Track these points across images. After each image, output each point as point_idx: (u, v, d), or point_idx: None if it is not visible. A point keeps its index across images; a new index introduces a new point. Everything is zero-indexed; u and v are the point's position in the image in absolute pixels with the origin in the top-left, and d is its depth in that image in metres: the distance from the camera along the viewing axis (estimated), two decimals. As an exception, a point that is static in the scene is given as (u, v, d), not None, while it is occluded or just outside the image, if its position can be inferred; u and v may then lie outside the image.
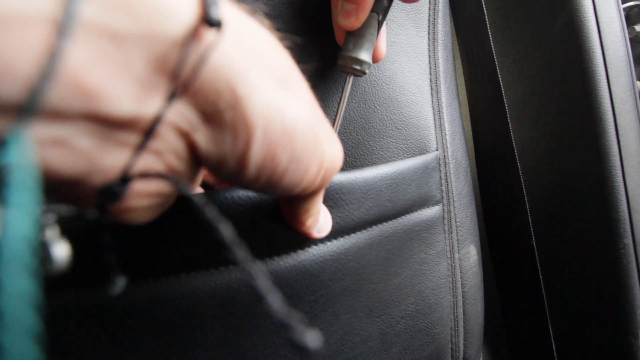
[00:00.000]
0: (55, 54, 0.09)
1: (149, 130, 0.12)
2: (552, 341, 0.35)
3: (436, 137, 0.34)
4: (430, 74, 0.35)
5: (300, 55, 0.29)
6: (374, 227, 0.28)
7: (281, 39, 0.15)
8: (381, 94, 0.31)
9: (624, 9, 0.40)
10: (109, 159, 0.12)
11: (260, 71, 0.13)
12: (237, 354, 0.23)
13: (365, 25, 0.26)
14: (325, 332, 0.27)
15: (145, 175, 0.12)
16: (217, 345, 0.23)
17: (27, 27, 0.09)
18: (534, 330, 0.37)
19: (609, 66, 0.38)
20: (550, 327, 0.35)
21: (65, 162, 0.11)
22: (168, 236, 0.20)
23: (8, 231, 0.09)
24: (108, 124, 0.11)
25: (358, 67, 0.26)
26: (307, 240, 0.24)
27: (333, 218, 0.25)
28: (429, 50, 0.35)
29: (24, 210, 0.09)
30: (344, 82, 0.28)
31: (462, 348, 0.34)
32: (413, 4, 0.35)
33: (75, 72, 0.10)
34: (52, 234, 0.13)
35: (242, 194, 0.22)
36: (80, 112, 0.10)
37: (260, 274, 0.11)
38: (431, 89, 0.35)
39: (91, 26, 0.10)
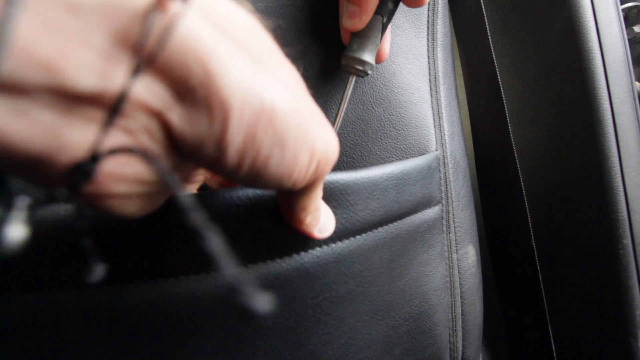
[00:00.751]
0: (3, 24, 0.09)
1: (114, 106, 0.11)
2: (552, 341, 0.35)
3: (435, 137, 0.34)
4: (430, 75, 0.35)
5: (306, 55, 0.28)
6: (380, 229, 0.28)
7: (262, 21, 0.14)
8: (379, 95, 0.31)
9: (623, 10, 0.41)
10: (75, 135, 0.11)
11: (234, 48, 0.13)
12: (237, 358, 0.23)
13: (369, 27, 0.26)
14: (330, 337, 0.26)
15: (114, 151, 0.12)
16: (217, 349, 0.22)
17: None
18: (533, 331, 0.37)
19: (608, 67, 0.38)
20: (549, 327, 0.35)
21: (28, 136, 0.10)
22: (168, 238, 0.20)
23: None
24: (70, 98, 0.11)
25: (360, 68, 0.26)
26: (309, 242, 0.23)
27: (337, 219, 0.25)
28: (428, 51, 0.35)
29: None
30: (347, 82, 0.28)
31: (460, 348, 0.34)
32: (412, 5, 0.35)
33: (29, 43, 0.09)
34: (16, 215, 0.12)
35: (241, 193, 0.22)
36: (39, 85, 0.10)
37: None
38: (430, 89, 0.35)
39: None
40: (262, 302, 0.11)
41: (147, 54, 0.11)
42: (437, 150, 0.34)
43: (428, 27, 0.36)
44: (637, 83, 0.41)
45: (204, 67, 0.12)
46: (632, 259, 0.35)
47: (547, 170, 0.43)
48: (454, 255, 0.34)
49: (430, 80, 0.35)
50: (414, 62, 0.34)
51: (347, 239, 0.25)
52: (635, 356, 0.35)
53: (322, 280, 0.24)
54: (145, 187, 0.14)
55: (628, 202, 0.37)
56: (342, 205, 0.25)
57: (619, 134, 0.39)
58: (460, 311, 0.34)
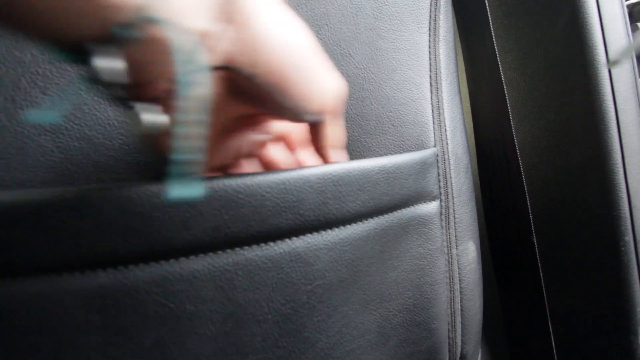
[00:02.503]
0: None
1: None
2: (552, 338, 0.35)
3: (434, 134, 0.34)
4: (431, 71, 0.35)
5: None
6: (370, 220, 0.28)
7: None
8: (378, 92, 0.31)
9: (628, 6, 0.40)
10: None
11: None
12: (235, 346, 0.23)
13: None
14: (324, 325, 0.27)
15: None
16: (216, 335, 0.22)
17: None
18: (533, 327, 0.37)
19: (611, 63, 0.38)
20: (549, 324, 0.35)
21: None
22: (167, 217, 0.20)
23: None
24: None
25: None
26: (299, 227, 0.24)
27: (329, 208, 0.25)
28: (429, 47, 0.36)
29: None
30: None
31: (459, 344, 0.34)
32: (415, 0, 0.35)
33: None
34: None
35: (241, 181, 0.22)
36: None
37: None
38: (431, 85, 0.35)
39: None
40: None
41: None
42: (435, 146, 0.34)
43: (430, 23, 0.36)
44: (640, 79, 0.40)
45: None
46: (633, 256, 0.35)
47: (549, 167, 0.43)
48: (454, 251, 0.34)
49: (431, 77, 0.35)
50: (414, 58, 0.34)
51: (337, 227, 0.26)
52: (635, 353, 0.35)
53: (315, 266, 0.25)
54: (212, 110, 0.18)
55: (630, 199, 0.37)
56: (334, 195, 0.25)
57: (622, 130, 0.39)
58: (459, 307, 0.34)
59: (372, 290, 0.29)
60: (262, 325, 0.23)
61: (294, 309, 0.25)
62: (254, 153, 0.25)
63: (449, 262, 0.33)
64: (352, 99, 0.30)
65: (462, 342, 0.34)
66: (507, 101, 0.40)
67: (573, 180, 0.41)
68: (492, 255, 0.41)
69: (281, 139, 0.27)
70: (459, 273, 0.34)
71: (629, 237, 0.36)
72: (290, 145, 0.27)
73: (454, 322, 0.34)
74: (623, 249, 0.36)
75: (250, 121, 0.23)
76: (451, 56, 0.38)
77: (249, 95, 0.20)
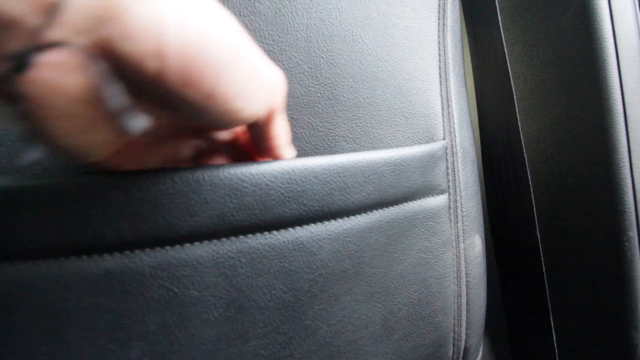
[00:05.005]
0: None
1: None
2: (553, 332, 0.35)
3: (444, 126, 0.34)
4: (440, 61, 0.35)
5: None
6: (375, 212, 0.28)
7: None
8: (391, 81, 0.31)
9: (638, -2, 0.40)
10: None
11: None
12: (238, 332, 0.23)
13: None
14: (325, 313, 0.27)
15: (54, 45, 0.12)
16: (219, 320, 0.23)
17: None
18: (534, 321, 0.37)
19: (620, 56, 0.37)
20: (551, 318, 0.35)
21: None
22: (176, 207, 0.20)
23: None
24: None
25: None
26: (303, 216, 0.24)
27: (333, 199, 0.25)
28: (438, 37, 0.35)
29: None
30: None
31: (464, 337, 0.34)
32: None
33: None
34: None
35: (246, 170, 0.22)
36: None
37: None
38: (440, 76, 0.35)
39: None
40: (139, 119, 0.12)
41: None
42: (444, 139, 0.33)
43: (439, 12, 0.36)
44: (650, 73, 0.40)
45: None
46: (637, 251, 0.35)
47: (555, 161, 0.42)
48: (461, 245, 0.34)
49: (440, 67, 0.35)
50: (425, 48, 0.34)
51: (341, 218, 0.26)
52: (637, 348, 0.35)
53: (317, 256, 0.25)
54: (84, 109, 0.14)
55: (635, 194, 0.37)
56: (338, 186, 0.25)
57: (629, 125, 0.39)
58: (465, 300, 0.34)
59: (376, 282, 0.29)
60: (264, 311, 0.24)
61: (296, 296, 0.25)
62: (197, 159, 0.23)
63: (456, 256, 0.33)
64: (364, 87, 0.29)
65: (467, 335, 0.35)
66: (514, 94, 0.39)
67: (578, 175, 0.41)
68: (495, 249, 0.41)
69: (231, 142, 0.24)
70: (465, 267, 0.34)
71: (633, 232, 0.36)
72: (241, 149, 0.24)
73: (460, 316, 0.34)
74: (627, 244, 0.36)
75: (189, 127, 0.20)
76: (458, 47, 0.37)
77: (164, 101, 0.15)
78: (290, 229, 0.24)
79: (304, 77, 0.27)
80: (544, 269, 0.36)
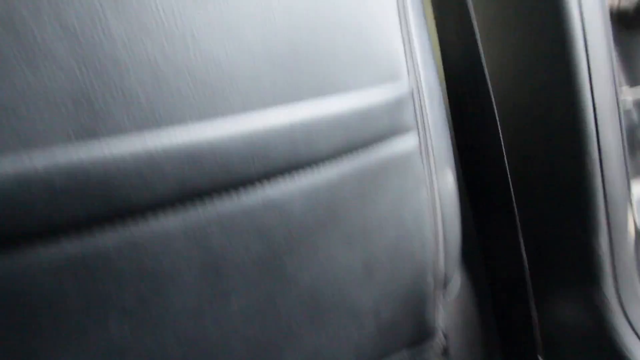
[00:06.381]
0: None
1: None
2: (522, 248, 0.38)
3: (407, 64, 0.33)
4: (397, 3, 0.33)
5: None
6: (344, 160, 0.28)
7: None
8: (349, 23, 0.29)
9: None
10: None
11: None
12: (219, 297, 0.24)
13: None
14: (304, 264, 0.27)
15: None
16: (197, 286, 0.23)
17: None
18: (505, 240, 0.39)
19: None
20: (520, 235, 0.37)
21: None
22: (129, 181, 0.19)
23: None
24: None
25: None
26: (271, 173, 0.23)
27: (299, 153, 0.25)
28: None
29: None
30: None
31: (442, 269, 0.36)
32: None
33: None
34: None
35: (203, 137, 0.21)
36: None
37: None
38: (399, 15, 0.33)
39: None
40: None
41: None
42: (409, 77, 0.33)
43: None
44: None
45: None
46: (597, 166, 0.37)
47: (519, 91, 0.43)
48: (435, 182, 0.34)
49: (398, 5, 0.33)
50: None
51: (310, 170, 0.25)
52: (595, 252, 0.38)
53: (290, 212, 0.25)
54: None
55: (596, 113, 0.38)
56: (304, 140, 0.25)
57: (589, 48, 0.39)
58: (442, 234, 0.35)
59: (353, 228, 0.29)
60: (242, 271, 0.24)
61: (273, 253, 0.25)
62: None
63: (430, 193, 0.34)
64: (323, 31, 0.28)
65: (445, 266, 0.36)
66: (475, 27, 0.39)
67: (542, 102, 0.41)
68: (466, 182, 0.42)
69: None
70: (440, 203, 0.35)
71: (592, 148, 0.37)
72: None
73: (437, 250, 0.35)
74: (587, 159, 0.37)
75: None
76: None
77: None
78: (258, 188, 0.24)
79: (259, 26, 0.25)
80: (512, 194, 0.37)
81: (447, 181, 0.36)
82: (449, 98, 0.42)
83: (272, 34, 0.25)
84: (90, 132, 0.19)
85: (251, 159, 0.23)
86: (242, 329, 0.25)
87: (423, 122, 0.33)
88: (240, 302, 0.24)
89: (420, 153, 0.33)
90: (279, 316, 0.27)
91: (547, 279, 0.43)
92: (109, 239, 0.19)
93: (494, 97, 0.39)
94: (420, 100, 0.33)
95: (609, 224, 0.40)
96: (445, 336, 0.40)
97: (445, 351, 0.41)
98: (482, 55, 0.38)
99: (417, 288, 0.35)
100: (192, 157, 0.21)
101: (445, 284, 0.37)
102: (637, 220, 0.42)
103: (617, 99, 0.40)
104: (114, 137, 0.19)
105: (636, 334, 0.41)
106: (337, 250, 0.29)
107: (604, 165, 0.38)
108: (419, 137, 0.33)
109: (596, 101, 0.38)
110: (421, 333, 0.37)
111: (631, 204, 0.43)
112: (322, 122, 0.26)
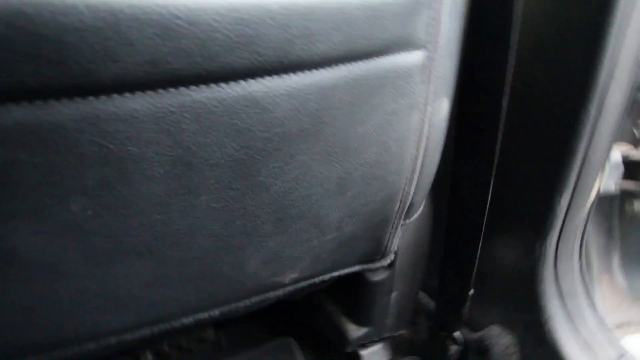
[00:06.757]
0: None
1: None
2: (489, 194, 0.39)
3: None
4: None
5: None
6: (341, 66, 0.25)
7: None
8: None
9: None
10: None
11: None
12: (188, 187, 0.23)
13: None
14: (280, 171, 0.26)
15: None
16: (165, 177, 0.22)
17: None
18: (476, 181, 0.40)
19: None
20: (491, 182, 0.38)
21: None
22: (90, 49, 0.16)
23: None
24: None
25: None
26: (256, 68, 0.21)
27: (293, 48, 0.21)
28: None
29: None
30: None
31: (411, 195, 0.36)
32: None
33: None
34: None
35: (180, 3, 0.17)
36: None
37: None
38: None
39: None
40: None
41: None
42: None
43: None
44: None
45: None
46: (589, 129, 0.36)
47: (539, 28, 0.38)
48: (429, 108, 0.32)
49: None
50: None
51: (302, 71, 0.23)
52: (553, 211, 0.40)
53: (273, 113, 0.23)
54: None
55: (612, 70, 0.35)
56: (301, 32, 0.21)
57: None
58: (420, 163, 0.35)
59: (335, 142, 0.28)
60: (215, 168, 0.23)
61: (249, 154, 0.24)
62: None
63: (421, 119, 0.32)
64: None
65: (414, 193, 0.37)
66: None
67: (559, 41, 0.38)
68: (458, 109, 0.40)
69: None
70: (428, 131, 0.33)
71: (593, 108, 0.36)
72: None
73: (412, 177, 0.35)
74: (583, 119, 0.36)
75: None
76: None
77: None
78: (242, 82, 0.21)
79: None
80: (499, 135, 0.36)
81: (441, 111, 0.34)
82: (470, 14, 0.37)
83: None
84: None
85: (238, 46, 0.20)
86: (208, 224, 0.25)
87: (435, 38, 0.29)
88: (209, 197, 0.24)
89: (422, 74, 0.30)
90: (245, 216, 0.27)
91: (500, 222, 0.45)
92: (65, 111, 0.17)
93: (512, 30, 0.35)
94: (439, 10, 0.29)
95: (576, 185, 0.40)
96: (395, 253, 0.43)
97: (391, 265, 0.45)
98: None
99: (382, 210, 0.35)
100: (168, 30, 0.17)
101: (409, 210, 0.38)
102: (602, 184, 0.43)
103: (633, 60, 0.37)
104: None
105: (558, 287, 0.46)
106: (315, 162, 0.28)
107: (596, 129, 0.37)
108: (426, 55, 0.29)
109: (612, 57, 0.36)
110: (376, 252, 0.40)
111: (603, 170, 0.43)
112: (324, 15, 0.22)
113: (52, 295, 0.22)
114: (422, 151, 0.34)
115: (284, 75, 0.22)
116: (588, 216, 0.44)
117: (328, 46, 0.23)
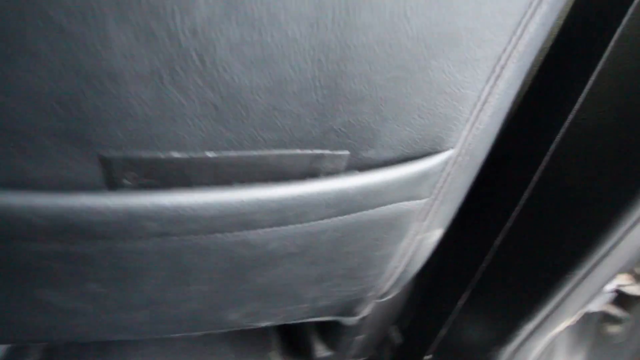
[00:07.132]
0: None
1: None
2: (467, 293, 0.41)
3: (461, 133, 0.26)
4: (506, 48, 0.24)
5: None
6: (334, 219, 0.27)
7: None
8: (422, 76, 0.21)
9: None
10: None
11: None
12: (182, 283, 0.27)
13: None
14: (264, 272, 0.30)
15: None
16: (164, 278, 0.27)
17: None
18: (456, 280, 0.41)
19: None
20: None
21: None
22: (114, 230, 0.21)
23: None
24: None
25: None
26: (253, 221, 0.24)
27: (287, 221, 0.25)
28: (525, 11, 0.23)
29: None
30: None
31: (386, 288, 0.40)
32: None
33: None
34: None
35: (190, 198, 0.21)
36: None
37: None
38: (493, 70, 0.24)
39: None
40: None
41: None
42: (453, 148, 0.27)
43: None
44: None
45: None
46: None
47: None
48: (419, 237, 0.33)
49: (501, 57, 0.23)
50: (495, 27, 0.22)
51: (293, 225, 0.26)
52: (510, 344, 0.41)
53: (262, 249, 0.26)
54: None
55: None
56: (295, 213, 0.24)
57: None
58: (401, 270, 0.37)
59: (320, 257, 0.31)
60: (207, 274, 0.27)
61: (238, 268, 0.28)
62: None
63: (408, 244, 0.34)
64: (382, 78, 0.21)
65: (390, 287, 0.40)
66: None
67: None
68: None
69: None
70: (414, 251, 0.35)
71: None
72: None
73: (390, 278, 0.37)
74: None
75: None
76: (547, 24, 0.25)
77: None
78: (237, 233, 0.24)
79: (301, 57, 0.20)
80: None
81: (431, 236, 0.35)
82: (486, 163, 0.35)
83: (316, 71, 0.20)
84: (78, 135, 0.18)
85: (237, 224, 0.23)
86: (197, 298, 0.30)
87: (439, 190, 0.30)
88: (200, 287, 0.29)
89: (419, 215, 0.31)
90: (230, 294, 0.32)
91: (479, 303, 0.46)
92: (87, 247, 0.22)
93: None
94: (450, 171, 0.28)
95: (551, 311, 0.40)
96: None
97: (363, 319, 0.49)
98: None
99: (356, 296, 0.39)
100: (179, 217, 0.22)
101: (384, 295, 0.42)
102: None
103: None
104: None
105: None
106: (298, 267, 0.31)
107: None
108: (426, 203, 0.30)
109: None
110: (349, 315, 0.45)
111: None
112: (318, 200, 0.24)
113: (69, 326, 0.31)
114: (404, 263, 0.36)
115: (276, 228, 0.25)
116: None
117: (321, 216, 0.26)
